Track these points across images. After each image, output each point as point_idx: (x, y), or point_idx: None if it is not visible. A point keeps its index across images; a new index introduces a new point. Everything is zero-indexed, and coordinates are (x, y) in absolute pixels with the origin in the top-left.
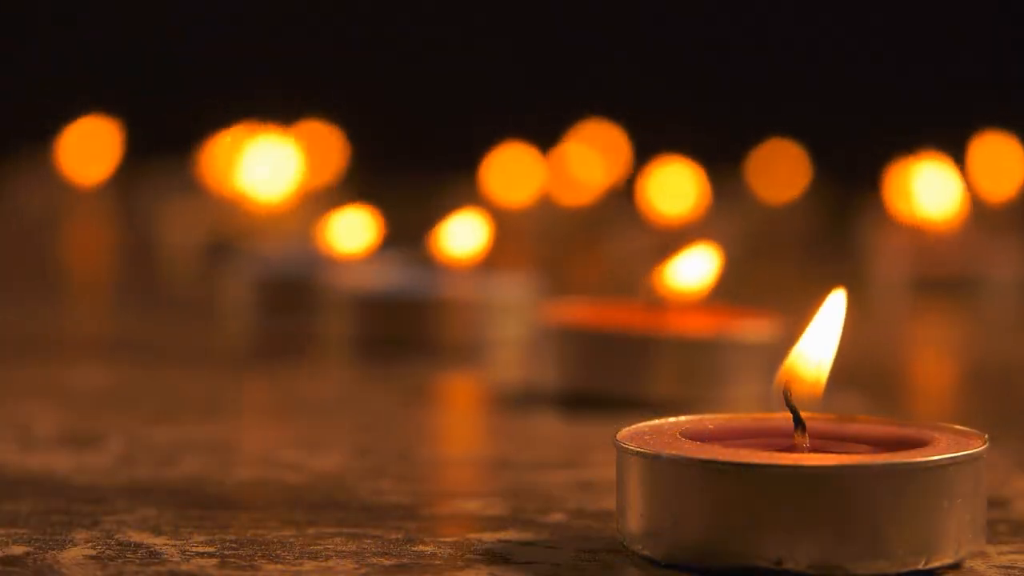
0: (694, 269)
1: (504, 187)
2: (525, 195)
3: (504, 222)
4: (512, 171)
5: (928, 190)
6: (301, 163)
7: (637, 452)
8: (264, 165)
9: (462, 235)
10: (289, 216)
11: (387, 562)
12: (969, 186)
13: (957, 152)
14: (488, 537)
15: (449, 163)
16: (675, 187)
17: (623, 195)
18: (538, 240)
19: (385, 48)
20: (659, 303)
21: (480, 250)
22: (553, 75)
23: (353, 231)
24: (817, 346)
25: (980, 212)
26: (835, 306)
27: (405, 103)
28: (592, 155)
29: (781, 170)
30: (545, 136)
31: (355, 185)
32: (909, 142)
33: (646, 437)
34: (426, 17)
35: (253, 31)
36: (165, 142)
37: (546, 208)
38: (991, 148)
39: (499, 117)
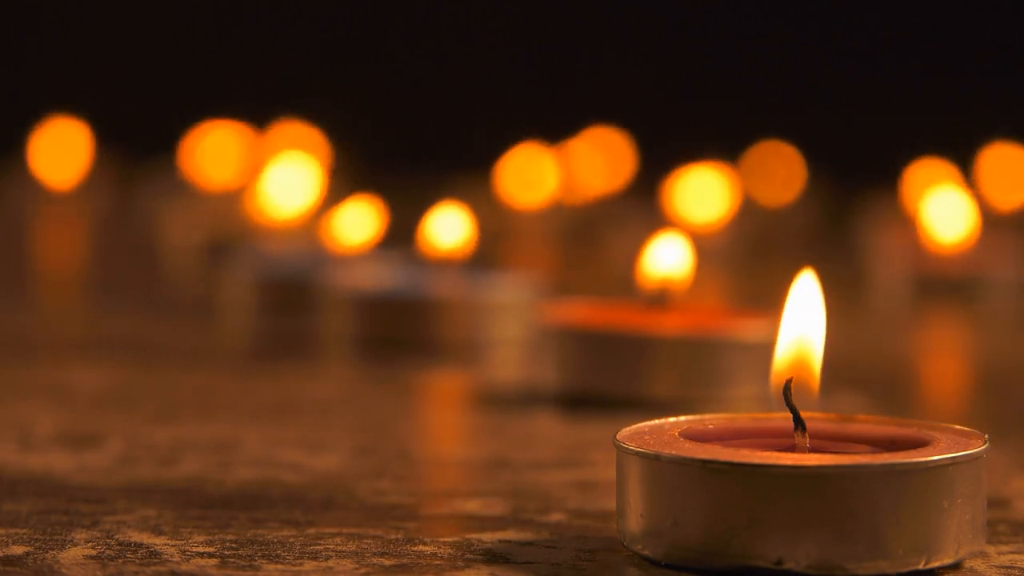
0: (669, 259)
1: (517, 188)
2: (538, 196)
3: (516, 223)
4: (525, 172)
5: (939, 203)
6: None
7: (637, 452)
8: (284, 182)
9: (447, 231)
10: (295, 221)
11: (387, 562)
12: (972, 188)
13: (957, 154)
14: (488, 537)
15: (460, 163)
16: (702, 194)
17: (627, 196)
18: (547, 241)
19: (389, 48)
20: (659, 303)
21: (466, 245)
22: (549, 74)
23: (355, 226)
24: (804, 335)
25: (982, 214)
26: (807, 292)
27: (410, 102)
28: (595, 156)
29: (776, 171)
30: (551, 136)
31: (359, 185)
32: (906, 140)
33: (646, 437)
34: (431, 16)
35: (256, 28)
36: (163, 142)
37: (557, 209)
38: (998, 158)
39: (508, 118)
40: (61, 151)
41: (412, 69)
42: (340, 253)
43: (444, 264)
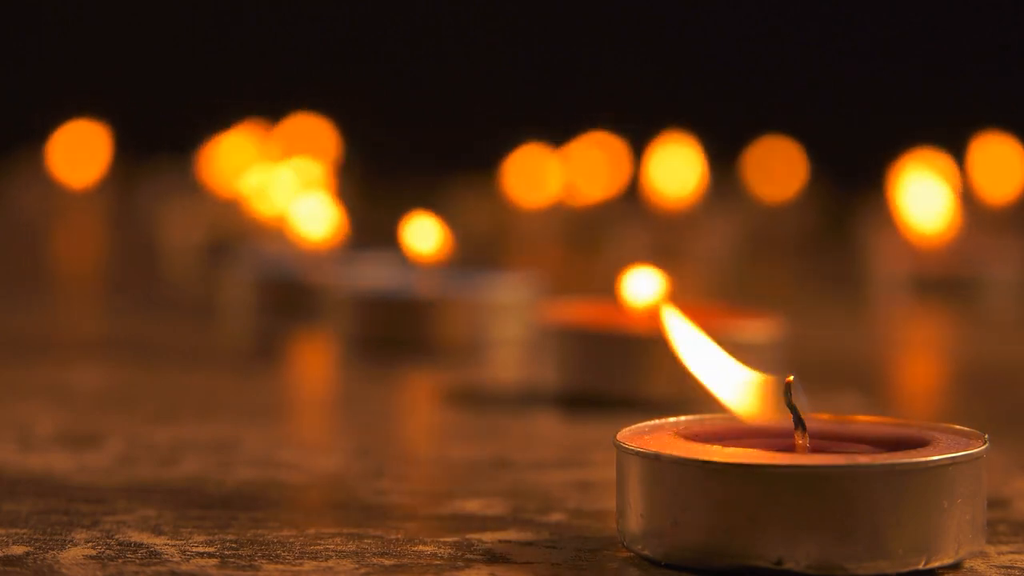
0: (644, 287)
1: (521, 189)
2: (541, 197)
3: (518, 223)
4: (529, 173)
5: (922, 199)
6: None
7: (637, 452)
8: (275, 173)
9: (423, 236)
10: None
11: (387, 562)
12: (968, 186)
13: (957, 152)
14: (488, 537)
15: (463, 164)
16: (677, 169)
17: (625, 198)
18: (548, 241)
19: (392, 49)
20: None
21: (440, 249)
22: (551, 74)
23: (317, 222)
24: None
25: (979, 213)
26: (678, 326)
27: (416, 103)
28: (596, 157)
29: (777, 168)
30: (554, 137)
31: (363, 185)
32: (907, 140)
33: (646, 437)
34: (434, 17)
35: (262, 30)
36: (163, 142)
37: (559, 210)
38: (991, 149)
39: (512, 118)
40: (79, 151)
41: (414, 69)
42: (309, 249)
43: (425, 267)
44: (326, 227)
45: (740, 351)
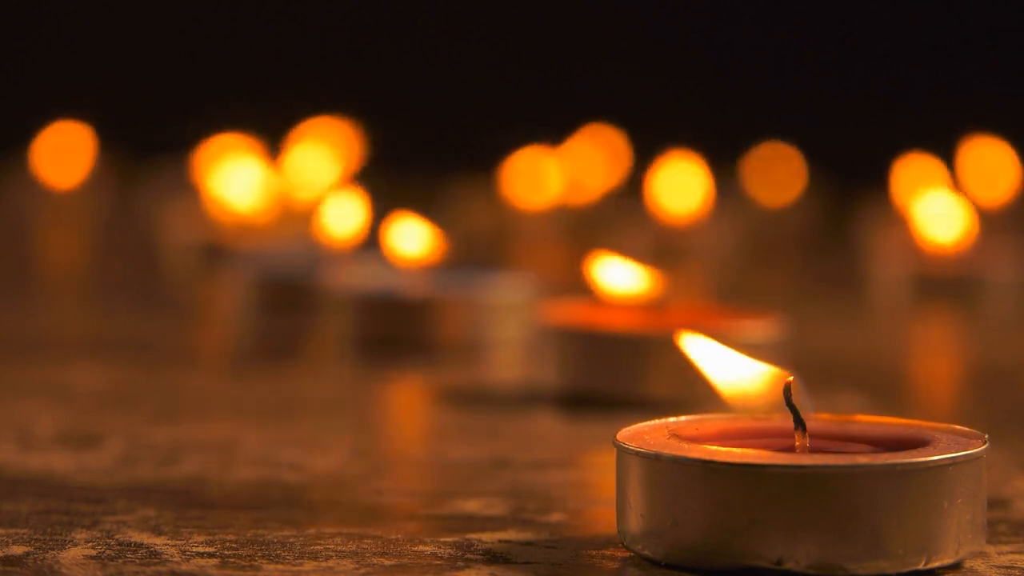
0: (618, 274)
1: (521, 189)
2: (542, 198)
3: (519, 224)
4: (530, 174)
5: (934, 212)
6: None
7: (637, 452)
8: (247, 176)
9: (409, 239)
10: (287, 220)
11: (387, 562)
12: (961, 189)
13: (948, 155)
14: (488, 537)
15: (464, 164)
16: (680, 183)
17: (624, 195)
18: (549, 241)
19: (397, 48)
20: (659, 304)
21: (430, 250)
22: (554, 76)
23: (347, 219)
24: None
25: (973, 215)
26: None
27: (418, 104)
28: (595, 156)
29: (777, 173)
30: (555, 138)
31: (367, 185)
32: (902, 142)
33: (646, 437)
34: (433, 20)
35: (265, 30)
36: (162, 142)
37: (560, 210)
38: (980, 151)
39: (513, 119)
40: (64, 152)
41: (414, 69)
42: (331, 250)
43: (412, 269)
44: (352, 230)
45: (741, 351)
